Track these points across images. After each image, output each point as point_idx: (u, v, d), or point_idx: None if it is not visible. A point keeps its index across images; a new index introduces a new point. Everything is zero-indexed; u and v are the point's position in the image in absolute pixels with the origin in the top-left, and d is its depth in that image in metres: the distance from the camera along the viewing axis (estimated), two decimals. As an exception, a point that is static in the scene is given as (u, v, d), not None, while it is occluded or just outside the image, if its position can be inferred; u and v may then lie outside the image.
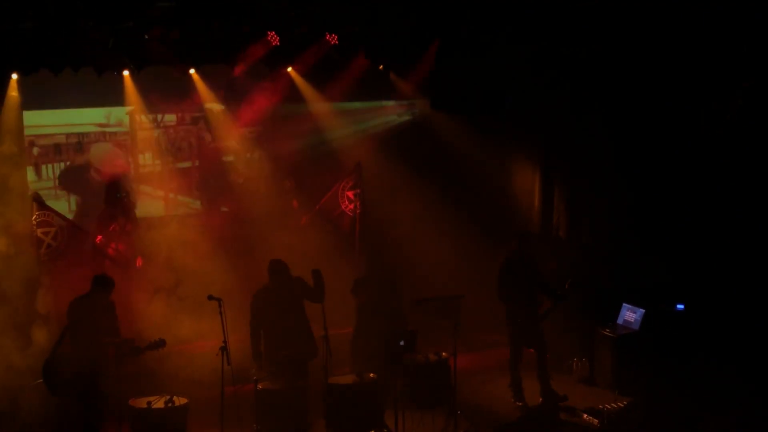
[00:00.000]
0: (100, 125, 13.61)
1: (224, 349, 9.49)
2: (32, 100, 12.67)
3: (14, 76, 12.10)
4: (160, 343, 9.87)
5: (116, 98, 13.18)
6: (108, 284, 10.10)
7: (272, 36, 12.42)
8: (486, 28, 13.11)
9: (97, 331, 9.77)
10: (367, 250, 12.18)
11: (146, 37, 11.74)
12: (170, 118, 14.17)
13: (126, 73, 12.65)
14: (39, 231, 12.01)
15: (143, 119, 13.87)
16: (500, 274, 11.81)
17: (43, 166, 13.37)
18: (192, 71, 13.10)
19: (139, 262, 12.58)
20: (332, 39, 12.78)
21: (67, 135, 13.45)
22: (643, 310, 12.36)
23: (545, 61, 13.35)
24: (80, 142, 13.53)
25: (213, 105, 13.83)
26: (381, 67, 13.90)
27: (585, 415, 11.18)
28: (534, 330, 11.79)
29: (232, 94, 13.80)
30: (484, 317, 12.98)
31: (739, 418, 10.76)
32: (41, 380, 9.98)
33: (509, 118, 14.27)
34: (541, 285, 11.89)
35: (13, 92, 12.34)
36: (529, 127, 14.48)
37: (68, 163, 13.53)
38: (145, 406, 9.36)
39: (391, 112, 15.22)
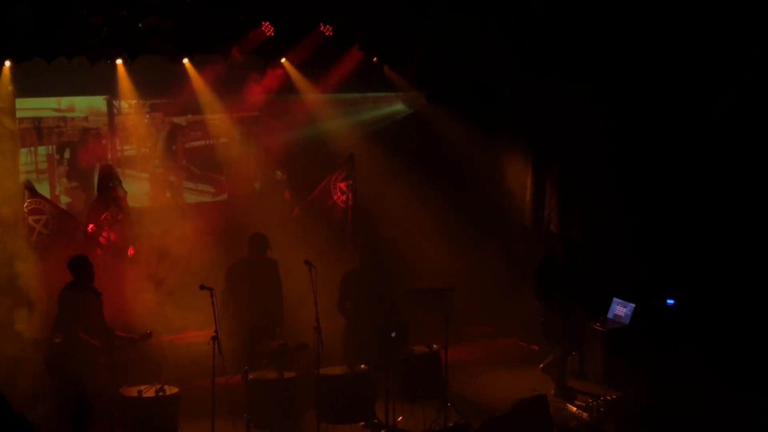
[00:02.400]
0: (55, 110, 13.53)
1: (216, 338, 9.48)
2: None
3: (7, 63, 12.06)
4: (147, 336, 9.89)
5: (79, 86, 13.25)
6: (84, 265, 9.92)
7: (266, 26, 12.41)
8: (480, 19, 13.13)
9: (91, 322, 9.71)
10: (359, 242, 12.17)
11: (140, 26, 11.72)
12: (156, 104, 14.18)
13: (119, 61, 12.63)
14: (30, 218, 11.99)
15: (123, 105, 13.82)
16: (537, 273, 12.10)
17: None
18: (185, 61, 13.08)
19: (130, 252, 12.56)
20: (327, 30, 12.78)
21: (20, 120, 13.30)
22: (634, 305, 12.40)
23: (539, 54, 13.36)
24: (37, 127, 13.46)
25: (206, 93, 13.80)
26: (375, 59, 13.90)
27: (575, 409, 11.23)
28: (571, 329, 12.03)
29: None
30: (475, 310, 13.01)
31: (729, 412, 10.82)
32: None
33: (503, 111, 14.28)
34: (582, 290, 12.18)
35: (5, 80, 12.29)
36: (522, 121, 14.49)
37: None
38: (135, 394, 9.34)
39: (384, 104, 15.22)
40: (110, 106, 13.80)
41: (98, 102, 13.82)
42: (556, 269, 12.06)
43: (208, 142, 14.46)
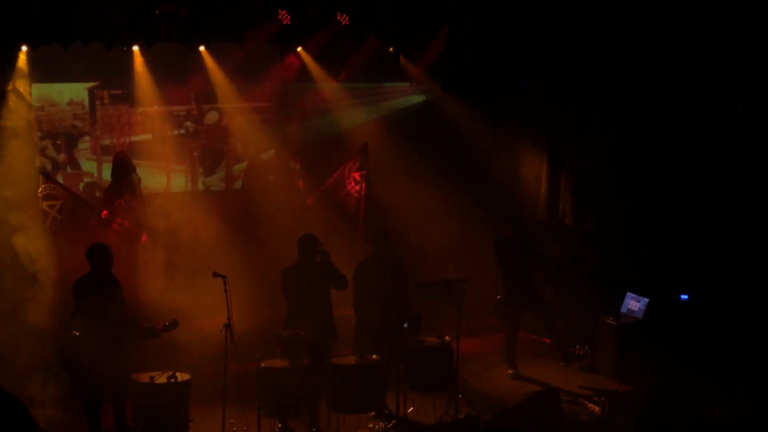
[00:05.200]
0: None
1: (228, 326, 9.48)
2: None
3: (24, 48, 12.06)
4: (174, 325, 9.82)
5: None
6: (99, 254, 9.67)
7: (283, 15, 12.39)
8: (496, 12, 13.10)
9: (109, 315, 9.58)
10: (372, 232, 12.15)
11: (157, 12, 11.72)
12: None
13: (135, 48, 12.64)
14: (45, 204, 11.99)
15: (105, 95, 13.82)
16: (495, 251, 12.43)
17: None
18: (202, 48, 13.08)
19: (144, 238, 12.59)
20: (343, 20, 12.76)
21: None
22: (647, 300, 12.35)
23: (556, 47, 13.31)
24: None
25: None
26: (391, 49, 13.88)
27: (587, 403, 11.20)
28: (533, 297, 12.34)
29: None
30: (487, 302, 12.98)
31: (741, 408, 10.79)
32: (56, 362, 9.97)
33: (519, 103, 14.24)
34: (538, 257, 12.47)
35: (22, 65, 12.29)
36: (537, 113, 14.44)
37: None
38: (147, 381, 9.35)
39: (399, 95, 15.19)
40: (92, 96, 13.76)
41: (50, 90, 13.64)
42: (509, 248, 12.31)
43: (221, 130, 14.48)
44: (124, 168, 12.70)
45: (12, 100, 12.24)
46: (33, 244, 11.35)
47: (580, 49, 13.29)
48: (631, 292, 12.64)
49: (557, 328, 12.49)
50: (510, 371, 12.45)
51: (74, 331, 9.59)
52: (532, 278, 12.46)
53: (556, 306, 13.54)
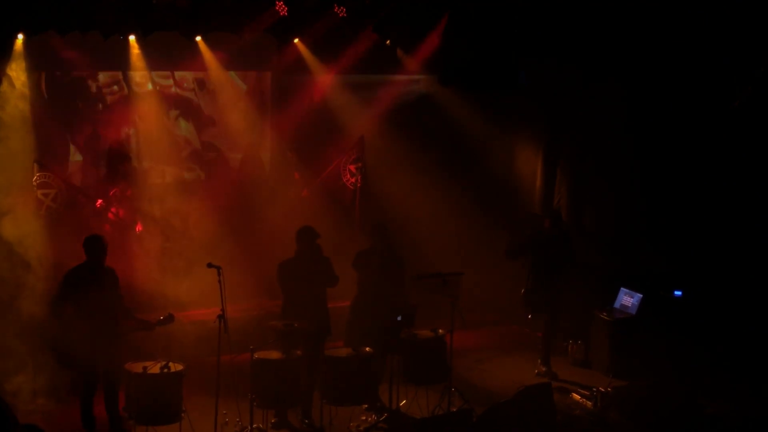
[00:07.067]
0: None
1: (222, 317, 9.46)
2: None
3: (20, 36, 12.00)
4: (170, 319, 9.83)
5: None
6: (93, 245, 9.71)
7: (280, 6, 12.36)
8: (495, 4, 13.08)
9: (103, 306, 9.60)
10: (370, 223, 12.14)
11: (154, 2, 11.69)
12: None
13: (132, 37, 12.60)
14: (39, 192, 11.98)
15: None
16: (525, 241, 12.33)
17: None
18: (198, 38, 13.03)
19: (138, 228, 12.58)
20: (340, 11, 12.73)
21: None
22: (641, 295, 12.37)
23: (555, 41, 13.29)
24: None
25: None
26: (388, 42, 13.86)
27: (578, 397, 11.22)
28: (553, 299, 12.16)
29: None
30: (481, 296, 12.99)
31: (735, 404, 10.82)
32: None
33: (517, 96, 14.22)
34: (570, 258, 12.27)
35: (18, 52, 12.23)
36: (535, 106, 14.42)
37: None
38: (140, 371, 9.34)
39: (396, 87, 15.15)
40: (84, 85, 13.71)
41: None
42: (542, 241, 12.20)
43: (217, 120, 14.44)
44: (119, 157, 12.68)
45: (5, 88, 12.20)
46: (25, 232, 11.32)
47: (579, 44, 13.27)
48: (625, 287, 12.65)
49: (549, 344, 12.36)
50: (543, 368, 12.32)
51: (58, 323, 9.58)
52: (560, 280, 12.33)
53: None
